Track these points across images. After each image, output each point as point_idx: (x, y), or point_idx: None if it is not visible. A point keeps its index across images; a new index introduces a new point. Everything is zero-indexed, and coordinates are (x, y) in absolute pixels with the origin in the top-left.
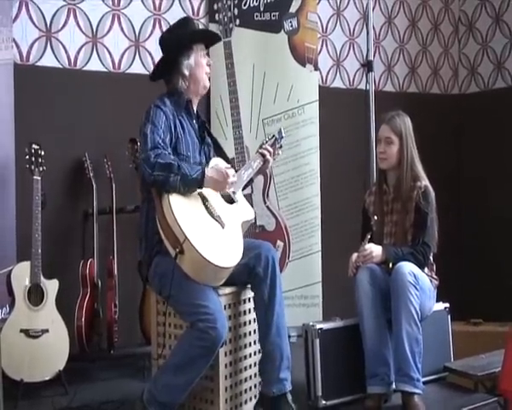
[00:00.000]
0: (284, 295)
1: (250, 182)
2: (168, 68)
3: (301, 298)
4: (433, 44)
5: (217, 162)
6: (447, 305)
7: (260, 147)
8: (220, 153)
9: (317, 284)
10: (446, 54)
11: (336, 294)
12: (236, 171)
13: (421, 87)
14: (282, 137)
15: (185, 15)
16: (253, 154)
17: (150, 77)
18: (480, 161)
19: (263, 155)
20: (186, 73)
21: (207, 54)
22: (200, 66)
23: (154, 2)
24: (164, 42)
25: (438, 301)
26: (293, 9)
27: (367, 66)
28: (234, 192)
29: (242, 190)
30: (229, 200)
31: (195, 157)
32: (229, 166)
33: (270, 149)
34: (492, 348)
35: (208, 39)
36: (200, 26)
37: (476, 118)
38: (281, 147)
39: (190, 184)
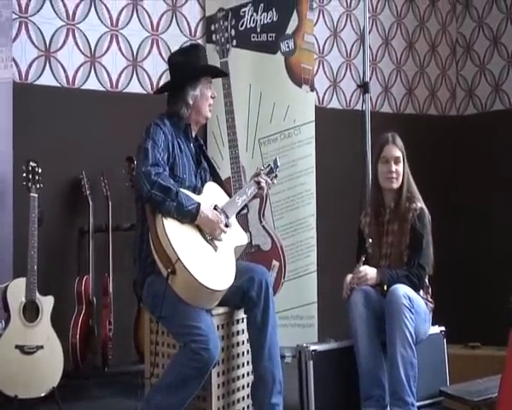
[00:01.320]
0: (279, 315)
1: (244, 208)
2: (173, 92)
3: (297, 318)
4: (430, 66)
5: (212, 188)
6: (443, 328)
7: (256, 175)
8: (216, 178)
9: (312, 305)
10: (444, 75)
11: (332, 314)
12: (230, 196)
13: (419, 108)
14: (277, 167)
15: (195, 42)
16: (249, 173)
17: (155, 92)
18: (477, 183)
19: (258, 183)
20: (190, 102)
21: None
22: (205, 98)
23: (151, 23)
24: (172, 66)
25: (434, 324)
26: (289, 31)
27: (363, 87)
28: (227, 217)
29: (236, 215)
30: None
31: (191, 180)
32: (225, 198)
33: (267, 179)
34: (490, 373)
35: (216, 72)
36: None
37: (474, 140)
38: (276, 176)
39: (184, 215)
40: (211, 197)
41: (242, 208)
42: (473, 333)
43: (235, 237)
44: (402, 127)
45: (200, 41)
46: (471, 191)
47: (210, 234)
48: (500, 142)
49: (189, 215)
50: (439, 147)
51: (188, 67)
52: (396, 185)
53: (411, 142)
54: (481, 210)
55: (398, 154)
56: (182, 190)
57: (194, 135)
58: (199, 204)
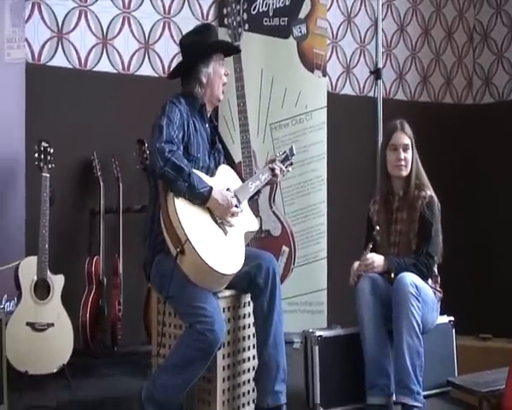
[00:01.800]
0: (289, 300)
1: (257, 193)
2: (186, 72)
3: (306, 304)
4: (446, 53)
5: (225, 171)
6: (452, 318)
7: (271, 162)
8: (229, 160)
9: (322, 291)
10: (460, 63)
11: (342, 301)
12: (243, 179)
13: (434, 96)
14: (293, 155)
15: (206, 22)
16: (260, 158)
17: (168, 77)
18: (493, 172)
19: (273, 170)
20: (204, 80)
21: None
22: (218, 75)
23: (163, 6)
24: (184, 46)
25: (444, 314)
26: (302, 15)
27: (376, 73)
28: (239, 201)
29: (248, 200)
30: None
31: (205, 160)
32: (237, 182)
33: (281, 166)
34: (500, 365)
35: (228, 50)
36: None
37: (490, 129)
38: (291, 164)
39: (195, 196)
40: (224, 180)
41: (255, 194)
42: (484, 325)
43: (245, 222)
44: (416, 115)
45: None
46: (486, 180)
47: (220, 217)
48: None
49: (201, 197)
50: (454, 135)
51: (199, 45)
52: (405, 173)
53: (425, 130)
54: (496, 199)
55: (407, 141)
56: (195, 171)
57: (208, 115)
58: (211, 187)
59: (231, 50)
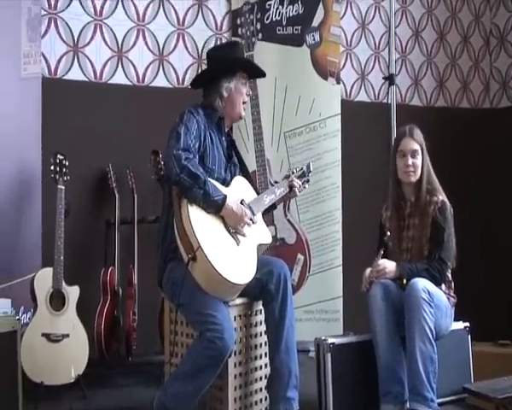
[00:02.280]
0: (304, 309)
1: (272, 208)
2: (208, 83)
3: (321, 312)
4: (462, 58)
5: (240, 182)
6: (467, 324)
7: (287, 177)
8: (246, 175)
9: (337, 299)
10: (477, 67)
11: (357, 309)
12: (258, 192)
13: (450, 101)
14: (310, 172)
15: (235, 40)
16: (274, 167)
17: (191, 84)
18: (509, 177)
19: (291, 187)
20: (225, 94)
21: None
22: (239, 93)
23: (177, 18)
24: (210, 58)
25: (462, 320)
26: (315, 23)
27: (389, 79)
28: (253, 213)
29: (264, 214)
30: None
31: (220, 173)
32: (252, 194)
33: (299, 182)
34: None
35: (252, 71)
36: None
37: (508, 133)
38: (308, 181)
39: (210, 204)
40: (238, 191)
41: (270, 208)
42: (504, 331)
43: (259, 234)
44: (432, 120)
45: (225, 35)
46: (503, 185)
47: (234, 227)
48: None
49: (215, 205)
50: (470, 140)
51: (224, 60)
52: (414, 179)
53: (442, 135)
54: None
55: (416, 147)
56: (210, 179)
57: (226, 130)
58: (225, 196)
59: (256, 71)
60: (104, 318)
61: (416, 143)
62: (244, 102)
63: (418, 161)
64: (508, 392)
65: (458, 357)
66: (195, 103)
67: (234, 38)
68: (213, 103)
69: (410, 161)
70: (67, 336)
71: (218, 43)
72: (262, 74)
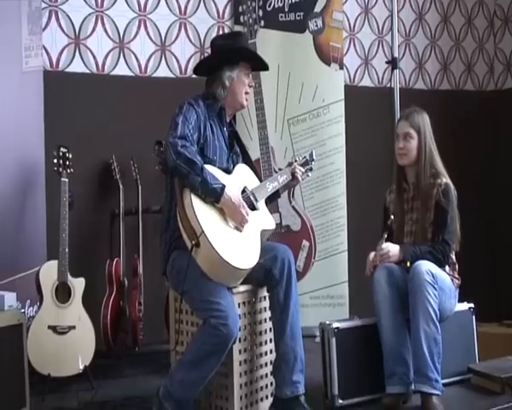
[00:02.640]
0: (310, 294)
1: (276, 196)
2: (211, 71)
3: (327, 298)
4: (466, 40)
5: (243, 169)
6: (472, 305)
7: (290, 165)
8: (248, 164)
9: (343, 284)
10: (481, 49)
11: (363, 293)
12: (261, 180)
13: (455, 84)
14: (313, 160)
15: (239, 30)
16: (278, 154)
17: (194, 70)
18: None
19: (293, 175)
20: (226, 83)
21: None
22: (241, 82)
23: (179, 7)
24: (213, 46)
25: (468, 301)
26: (317, 9)
27: (392, 63)
28: (256, 200)
29: (268, 202)
30: (251, 207)
31: (222, 163)
32: (255, 181)
33: (302, 170)
34: None
35: (255, 62)
36: (226, 30)
37: None
38: (311, 169)
39: (208, 192)
40: (241, 179)
41: (275, 196)
42: (509, 311)
43: (262, 220)
44: (437, 103)
45: (228, 23)
46: (509, 166)
47: (231, 219)
48: None
49: (214, 194)
50: (476, 122)
51: (227, 49)
52: (406, 161)
53: (447, 118)
54: None
55: (408, 130)
56: (211, 168)
57: (228, 120)
58: (224, 185)
59: (259, 62)
60: (110, 309)
61: (409, 126)
62: (247, 93)
63: (411, 145)
64: (511, 371)
65: (463, 338)
66: (196, 94)
67: (236, 26)
68: (215, 92)
69: (402, 143)
70: (74, 327)
71: (221, 32)
72: (265, 67)
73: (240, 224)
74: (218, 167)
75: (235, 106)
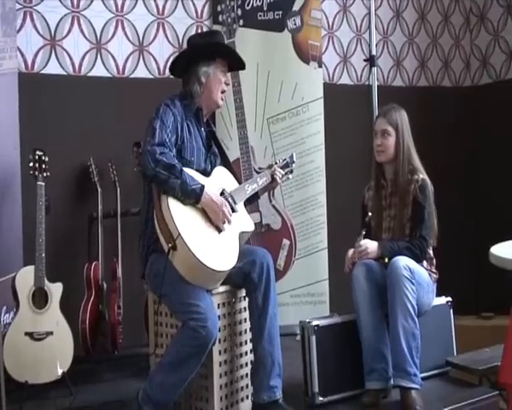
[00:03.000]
0: (291, 293)
1: (255, 197)
2: (187, 68)
3: (308, 296)
4: (443, 37)
5: (221, 172)
6: (449, 299)
7: (270, 167)
8: (226, 165)
9: (323, 282)
10: (457, 46)
11: (343, 290)
12: (240, 182)
13: (432, 81)
14: (294, 162)
15: (217, 29)
16: (258, 154)
17: (170, 68)
18: (492, 152)
19: (272, 176)
20: (202, 79)
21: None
22: (217, 80)
23: (157, 6)
24: (189, 44)
25: (446, 295)
26: (296, 7)
27: (370, 61)
28: (235, 202)
29: (247, 204)
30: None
31: (199, 164)
32: (233, 184)
33: (282, 172)
34: (501, 342)
35: (232, 60)
36: (205, 29)
37: (489, 109)
38: (291, 172)
39: (188, 194)
40: (219, 181)
41: (253, 197)
42: (487, 304)
43: (241, 222)
44: (415, 100)
45: (206, 23)
46: (486, 161)
47: (213, 218)
48: None
49: (194, 195)
50: (453, 118)
51: (204, 44)
52: (383, 158)
53: (425, 114)
54: (496, 178)
55: (386, 127)
56: (189, 170)
57: (205, 120)
58: (203, 185)
59: (235, 60)
60: (89, 313)
61: (387, 123)
62: (223, 92)
63: (388, 141)
64: (489, 363)
65: (441, 331)
66: (173, 94)
67: (215, 26)
68: (192, 88)
69: (380, 140)
70: (51, 333)
71: (199, 31)
72: (242, 66)
73: (222, 222)
74: (196, 170)
75: (210, 105)
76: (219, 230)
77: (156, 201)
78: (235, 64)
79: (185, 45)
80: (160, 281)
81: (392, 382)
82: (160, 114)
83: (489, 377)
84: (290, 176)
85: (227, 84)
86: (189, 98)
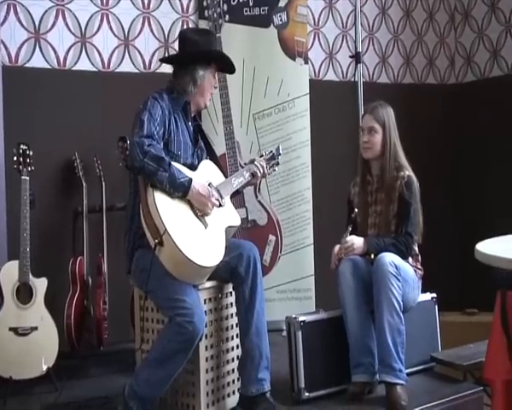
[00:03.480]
0: (277, 289)
1: (237, 193)
2: (182, 66)
3: (294, 291)
4: (428, 34)
5: (207, 166)
6: (434, 295)
7: (252, 161)
8: (213, 159)
9: (309, 277)
10: (442, 43)
11: (329, 286)
12: (226, 176)
13: (417, 78)
14: (280, 155)
15: (210, 29)
16: (244, 149)
17: (162, 60)
18: (477, 149)
19: (253, 172)
20: (198, 81)
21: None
22: (210, 84)
23: (142, 1)
24: (187, 40)
25: (431, 291)
26: (282, 3)
27: (355, 57)
28: (221, 196)
29: (232, 197)
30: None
31: (186, 158)
32: (220, 177)
33: (264, 165)
34: (485, 338)
35: (225, 66)
36: (191, 24)
37: (473, 107)
38: (277, 164)
39: (176, 187)
40: (206, 175)
41: (237, 191)
42: (471, 300)
43: (227, 217)
44: (400, 97)
45: (192, 17)
46: (471, 158)
47: (201, 210)
48: (499, 108)
49: (182, 188)
50: (438, 115)
51: (204, 48)
52: (370, 155)
53: (410, 111)
54: (481, 175)
55: (373, 124)
56: (176, 164)
57: (192, 115)
58: (191, 178)
59: (228, 67)
60: (74, 308)
61: (374, 121)
62: (211, 94)
63: (375, 138)
64: (473, 359)
65: (426, 327)
66: (160, 88)
67: (200, 21)
68: (186, 87)
69: (366, 137)
70: (36, 328)
71: (185, 26)
72: (232, 70)
73: (210, 213)
74: (183, 164)
75: (199, 104)
76: (206, 224)
77: (142, 195)
78: (225, 68)
79: (171, 40)
80: (146, 276)
81: (378, 377)
82: (148, 106)
83: (473, 372)
84: (276, 168)
85: (215, 87)
86: (177, 93)
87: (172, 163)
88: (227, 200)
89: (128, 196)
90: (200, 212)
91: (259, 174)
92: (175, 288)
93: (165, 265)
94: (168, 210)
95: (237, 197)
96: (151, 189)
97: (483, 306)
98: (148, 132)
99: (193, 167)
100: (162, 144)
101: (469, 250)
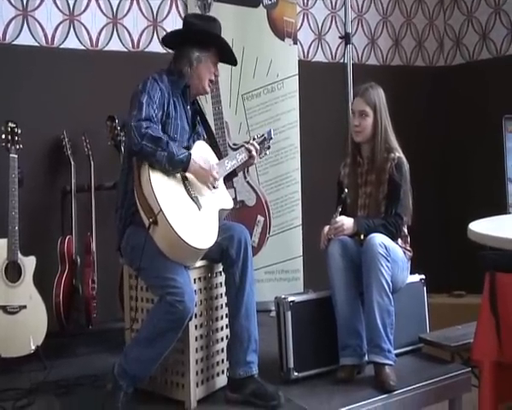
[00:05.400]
0: (265, 269)
1: (233, 174)
2: (181, 48)
3: (282, 272)
4: (417, 16)
5: (201, 146)
6: (423, 276)
7: (247, 143)
8: (213, 145)
9: (297, 258)
10: (431, 25)
11: (317, 267)
12: (219, 158)
13: (406, 60)
14: (271, 138)
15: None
16: (232, 129)
17: (163, 39)
18: (465, 132)
19: (249, 151)
20: (194, 63)
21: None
22: (207, 68)
23: None
24: (189, 23)
25: (419, 273)
26: None
27: (345, 38)
28: (215, 179)
29: (226, 181)
30: None
31: (183, 142)
32: (214, 159)
33: (257, 147)
34: (472, 320)
35: (225, 53)
36: (180, 4)
37: (461, 89)
38: (269, 147)
39: (175, 164)
40: (200, 154)
41: (231, 174)
42: (459, 282)
43: (220, 199)
44: (389, 79)
45: None
46: (459, 140)
47: (203, 182)
48: (488, 91)
49: (181, 164)
50: (426, 97)
51: (203, 29)
52: (361, 138)
53: (398, 93)
54: (469, 158)
55: (363, 107)
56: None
57: (191, 99)
58: (190, 153)
59: (228, 55)
60: (62, 287)
61: (365, 104)
62: (211, 81)
63: (366, 122)
64: (461, 340)
65: (414, 309)
66: (160, 69)
67: (190, 0)
68: (182, 68)
69: (357, 121)
70: (24, 307)
71: (174, 6)
72: (233, 62)
73: (212, 185)
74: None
75: (198, 89)
76: (200, 206)
77: (136, 174)
78: (227, 59)
79: (159, 19)
80: (137, 254)
81: (366, 358)
82: (147, 88)
83: (461, 353)
84: (268, 152)
85: (216, 76)
86: (177, 75)
87: (170, 141)
88: (220, 182)
89: (120, 173)
90: (195, 193)
91: (254, 153)
92: (166, 266)
93: (159, 244)
94: (163, 190)
95: (227, 181)
96: (146, 169)
97: (470, 288)
98: (147, 115)
99: (187, 150)
100: (160, 126)
101: (456, 233)
